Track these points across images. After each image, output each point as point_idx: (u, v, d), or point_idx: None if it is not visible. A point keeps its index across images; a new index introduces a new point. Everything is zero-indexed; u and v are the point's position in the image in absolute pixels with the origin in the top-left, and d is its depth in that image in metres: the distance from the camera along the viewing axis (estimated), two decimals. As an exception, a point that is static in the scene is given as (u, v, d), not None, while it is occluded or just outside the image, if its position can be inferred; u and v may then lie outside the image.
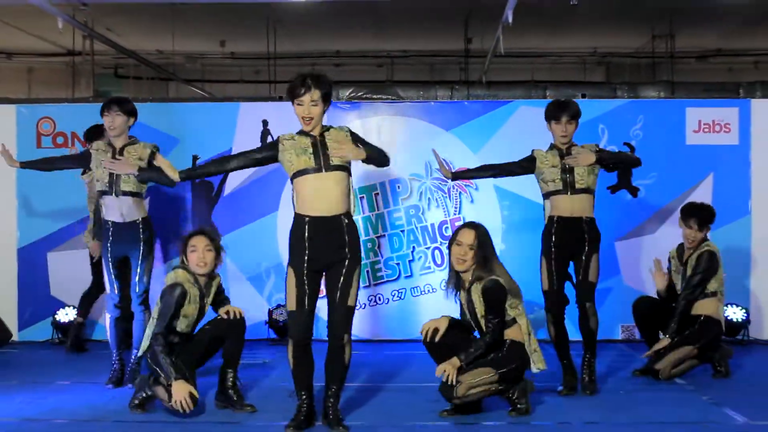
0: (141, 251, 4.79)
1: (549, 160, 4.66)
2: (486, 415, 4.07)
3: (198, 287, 4.24)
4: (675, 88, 7.63)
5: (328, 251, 3.75)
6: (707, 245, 5.09)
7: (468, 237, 4.08)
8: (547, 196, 4.69)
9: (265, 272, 6.51)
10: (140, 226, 4.78)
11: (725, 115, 6.47)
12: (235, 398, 4.25)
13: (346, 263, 3.78)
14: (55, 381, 4.96)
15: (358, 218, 6.52)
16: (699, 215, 5.07)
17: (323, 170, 3.75)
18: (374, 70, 11.06)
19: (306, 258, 3.73)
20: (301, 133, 3.88)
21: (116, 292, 4.81)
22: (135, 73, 10.98)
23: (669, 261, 5.29)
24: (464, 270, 4.09)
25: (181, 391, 3.91)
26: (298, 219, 3.79)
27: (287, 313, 3.81)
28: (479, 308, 4.06)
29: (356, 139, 3.96)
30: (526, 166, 4.72)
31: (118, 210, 4.75)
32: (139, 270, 4.79)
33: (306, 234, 3.73)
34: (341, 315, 3.79)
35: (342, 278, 3.77)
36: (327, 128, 3.92)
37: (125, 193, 4.73)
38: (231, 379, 4.27)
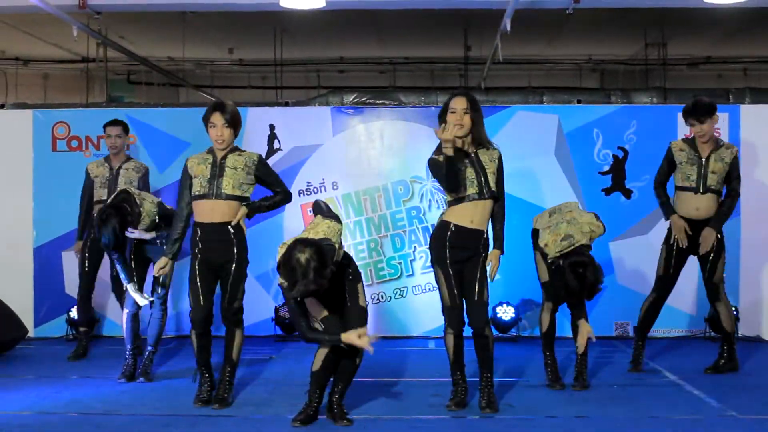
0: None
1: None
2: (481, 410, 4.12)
3: (212, 155, 4.34)
4: (667, 94, 7.77)
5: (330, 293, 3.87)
6: (733, 147, 5.10)
7: (461, 103, 4.11)
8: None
9: (272, 271, 6.67)
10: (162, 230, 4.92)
11: None
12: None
13: (350, 279, 3.95)
14: (70, 376, 5.07)
15: (361, 219, 6.74)
16: (693, 111, 5.00)
17: None
18: (377, 76, 11.15)
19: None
20: None
21: (135, 287, 4.92)
22: (146, 79, 11.06)
23: (670, 152, 5.15)
24: (464, 135, 4.10)
25: None
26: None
27: (320, 321, 3.85)
28: (491, 166, 4.14)
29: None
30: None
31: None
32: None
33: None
34: (358, 315, 3.89)
35: (348, 284, 3.93)
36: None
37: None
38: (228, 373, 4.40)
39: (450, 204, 4.18)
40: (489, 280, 4.17)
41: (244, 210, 4.38)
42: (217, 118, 4.30)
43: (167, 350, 6.03)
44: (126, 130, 5.73)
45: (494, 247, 4.17)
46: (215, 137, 4.32)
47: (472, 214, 4.10)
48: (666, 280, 5.16)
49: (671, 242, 5.13)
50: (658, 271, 5.19)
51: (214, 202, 4.29)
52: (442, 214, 4.25)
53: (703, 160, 5.06)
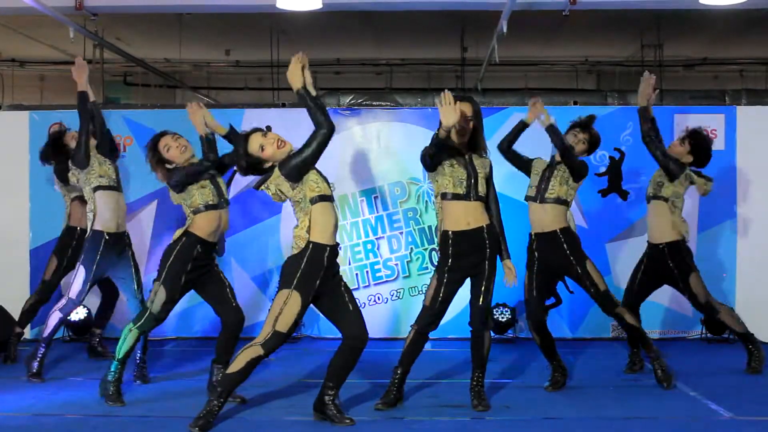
0: (132, 259, 4.94)
1: (537, 166, 4.83)
2: (484, 412, 4.13)
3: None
4: (663, 95, 7.78)
5: (333, 278, 3.85)
6: None
7: (468, 109, 4.12)
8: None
9: (268, 272, 6.69)
10: (126, 234, 4.97)
11: (712, 122, 6.58)
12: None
13: (342, 277, 3.94)
14: (66, 377, 5.08)
15: (358, 220, 6.74)
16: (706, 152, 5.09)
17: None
18: (373, 77, 11.16)
19: (317, 285, 3.77)
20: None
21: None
22: (143, 81, 11.05)
23: (659, 184, 5.13)
24: (462, 139, 4.13)
25: None
26: (319, 248, 3.74)
27: (274, 334, 3.69)
28: (482, 172, 4.16)
29: None
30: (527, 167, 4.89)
31: (118, 218, 4.88)
32: (135, 279, 4.91)
33: (325, 264, 3.77)
34: (362, 319, 3.87)
35: (344, 288, 3.88)
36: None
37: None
38: (221, 374, 4.37)
39: (443, 200, 4.16)
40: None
41: None
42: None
43: (165, 352, 6.03)
44: None
45: (503, 258, 4.24)
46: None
47: (465, 216, 4.13)
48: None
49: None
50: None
51: (225, 212, 4.47)
52: (440, 221, 4.23)
53: None
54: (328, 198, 3.79)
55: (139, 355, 4.94)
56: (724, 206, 6.60)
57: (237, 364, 3.74)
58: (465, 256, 4.13)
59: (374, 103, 7.57)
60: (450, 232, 4.15)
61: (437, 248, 4.26)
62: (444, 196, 4.15)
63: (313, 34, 9.09)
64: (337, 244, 3.87)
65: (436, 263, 4.26)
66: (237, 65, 10.96)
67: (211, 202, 4.37)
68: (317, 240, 3.75)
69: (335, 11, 6.82)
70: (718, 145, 6.63)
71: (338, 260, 3.93)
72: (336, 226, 3.84)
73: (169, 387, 4.82)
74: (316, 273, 3.74)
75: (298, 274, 3.71)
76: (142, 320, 4.34)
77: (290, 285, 3.71)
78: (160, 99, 10.80)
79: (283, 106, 7.36)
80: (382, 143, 6.80)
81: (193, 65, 11.00)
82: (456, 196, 4.12)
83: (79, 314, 6.55)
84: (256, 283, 6.64)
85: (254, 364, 3.74)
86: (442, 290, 4.14)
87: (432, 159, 4.07)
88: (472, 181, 4.13)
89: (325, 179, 3.84)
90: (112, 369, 4.37)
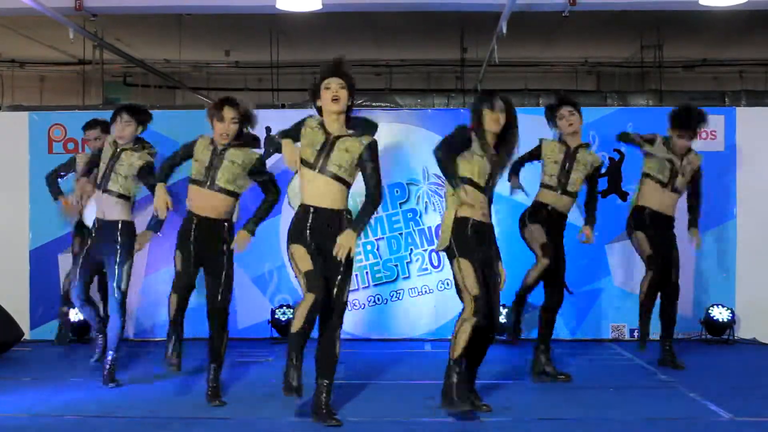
0: (117, 254, 4.76)
1: (554, 155, 4.94)
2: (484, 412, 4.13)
3: (213, 146, 4.35)
4: (663, 96, 7.81)
5: (328, 241, 3.84)
6: (698, 157, 5.41)
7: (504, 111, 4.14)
8: (541, 185, 4.97)
9: (268, 273, 6.67)
10: (119, 228, 4.81)
11: (711, 123, 6.51)
12: (209, 393, 4.34)
13: (343, 260, 3.85)
14: (65, 378, 5.04)
15: (357, 221, 6.73)
16: (690, 127, 5.28)
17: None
18: (373, 78, 11.16)
19: (308, 242, 3.83)
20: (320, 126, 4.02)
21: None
22: (143, 82, 11.09)
23: (655, 140, 5.32)
24: (496, 132, 4.10)
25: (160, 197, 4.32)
26: (302, 207, 3.93)
27: (304, 273, 3.75)
28: (498, 171, 4.17)
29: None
30: (535, 155, 5.03)
31: (100, 209, 4.82)
32: (117, 274, 4.75)
33: (309, 223, 3.86)
34: (340, 308, 3.87)
35: (340, 275, 3.85)
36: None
37: (110, 192, 4.84)
38: (212, 372, 4.38)
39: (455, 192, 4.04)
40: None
41: (244, 235, 4.42)
42: (227, 112, 4.35)
43: (164, 353, 6.00)
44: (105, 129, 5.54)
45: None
46: (219, 132, 4.33)
47: (480, 207, 4.06)
48: (657, 259, 5.31)
49: (647, 230, 5.30)
50: (646, 252, 5.33)
51: (210, 193, 4.34)
52: (450, 210, 4.08)
53: (678, 163, 5.32)
54: (307, 165, 3.94)
55: (111, 355, 4.81)
56: (724, 207, 6.60)
57: (298, 321, 3.71)
58: (480, 245, 4.06)
59: (374, 104, 7.57)
60: (471, 219, 4.02)
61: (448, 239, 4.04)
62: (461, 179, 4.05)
63: (312, 34, 9.09)
64: (332, 210, 3.88)
65: (455, 251, 4.02)
66: (237, 66, 10.98)
67: (196, 173, 4.31)
68: (301, 201, 3.96)
69: (335, 12, 6.81)
70: (717, 146, 6.65)
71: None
72: (317, 193, 3.89)
73: (169, 387, 4.81)
74: (302, 229, 3.88)
75: (289, 233, 3.92)
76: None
77: (288, 244, 3.90)
78: (159, 100, 10.81)
79: (283, 107, 7.38)
80: (382, 144, 6.73)
81: (192, 66, 11.02)
82: (475, 185, 4.04)
83: (78, 315, 6.54)
84: (256, 284, 6.63)
85: (310, 313, 3.70)
86: (480, 273, 3.98)
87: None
88: (492, 177, 4.10)
89: (318, 152, 3.92)
90: None
